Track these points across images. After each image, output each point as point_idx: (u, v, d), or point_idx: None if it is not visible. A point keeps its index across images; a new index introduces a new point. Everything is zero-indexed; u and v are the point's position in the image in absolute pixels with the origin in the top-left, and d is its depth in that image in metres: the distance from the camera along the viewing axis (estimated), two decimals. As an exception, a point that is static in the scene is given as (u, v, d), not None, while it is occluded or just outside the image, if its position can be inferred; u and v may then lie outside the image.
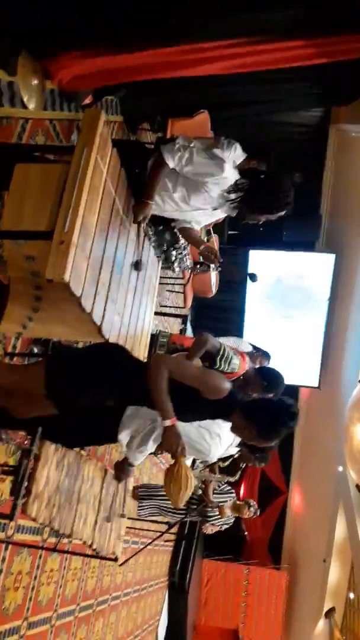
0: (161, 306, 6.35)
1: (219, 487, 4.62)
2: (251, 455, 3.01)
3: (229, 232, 7.24)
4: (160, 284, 5.37)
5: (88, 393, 1.91)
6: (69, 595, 3.77)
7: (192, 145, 2.46)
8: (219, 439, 2.43)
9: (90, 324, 2.02)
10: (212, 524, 4.63)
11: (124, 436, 2.23)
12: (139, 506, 5.03)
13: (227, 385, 1.97)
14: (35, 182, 1.86)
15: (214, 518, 4.59)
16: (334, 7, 2.74)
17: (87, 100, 3.62)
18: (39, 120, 3.01)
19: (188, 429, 2.30)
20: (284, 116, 6.11)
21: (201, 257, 3.16)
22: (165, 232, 3.26)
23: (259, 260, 7.33)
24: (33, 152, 2.47)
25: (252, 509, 4.55)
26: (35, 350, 2.81)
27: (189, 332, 3.71)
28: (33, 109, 2.83)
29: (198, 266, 4.39)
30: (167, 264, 4.01)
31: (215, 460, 3.12)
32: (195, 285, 5.78)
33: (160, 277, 4.29)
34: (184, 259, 3.99)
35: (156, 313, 3.85)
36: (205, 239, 4.14)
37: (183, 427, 2.13)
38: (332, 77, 4.11)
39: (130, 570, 5.51)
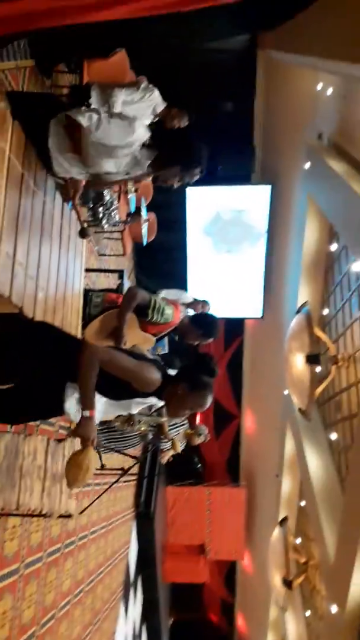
0: (100, 255, 6.26)
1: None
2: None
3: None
4: (97, 232, 5.28)
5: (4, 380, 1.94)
6: (34, 545, 3.96)
7: (111, 97, 2.38)
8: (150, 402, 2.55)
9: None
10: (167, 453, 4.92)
11: (71, 404, 2.27)
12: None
13: (157, 377, 2.05)
14: None
15: (167, 448, 4.87)
16: None
17: (-10, 49, 3.34)
18: None
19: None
20: (207, 43, 5.81)
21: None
22: (89, 190, 3.18)
23: (196, 197, 7.25)
24: None
25: (202, 436, 4.84)
26: None
27: (126, 286, 3.71)
28: None
29: (128, 218, 4.35)
30: (95, 221, 3.95)
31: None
32: (132, 232, 5.71)
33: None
34: (112, 214, 3.93)
35: (87, 270, 3.81)
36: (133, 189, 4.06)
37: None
38: (249, 5, 3.92)
39: (95, 511, 5.79)
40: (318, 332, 3.95)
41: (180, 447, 4.74)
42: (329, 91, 4.06)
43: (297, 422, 5.16)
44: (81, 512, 3.84)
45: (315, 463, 4.70)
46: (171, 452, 4.83)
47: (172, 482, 9.88)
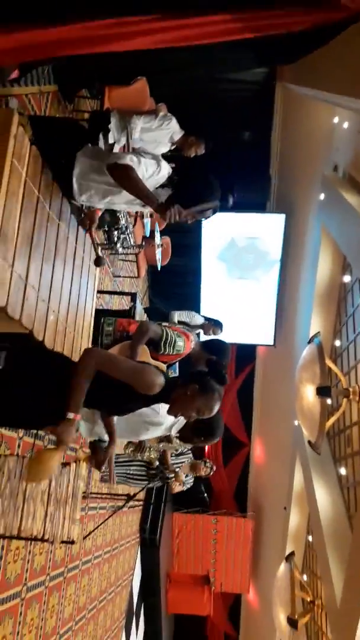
0: (115, 276, 6.32)
1: (176, 451, 4.81)
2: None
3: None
4: (112, 254, 5.35)
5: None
6: (37, 568, 3.90)
7: (130, 124, 2.41)
8: (160, 422, 2.53)
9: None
10: (176, 484, 4.86)
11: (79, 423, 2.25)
12: (103, 472, 5.18)
13: (161, 380, 2.02)
14: None
15: (172, 480, 4.80)
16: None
17: (14, 75, 3.45)
18: None
19: (130, 419, 2.37)
20: (227, 74, 5.93)
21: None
22: (105, 213, 3.22)
23: (211, 223, 7.31)
24: None
25: (207, 465, 4.79)
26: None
27: (139, 309, 3.72)
28: None
29: (143, 243, 4.39)
30: (110, 244, 3.99)
31: (165, 434, 3.23)
32: (147, 255, 5.76)
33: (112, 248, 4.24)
34: (127, 237, 3.98)
35: (100, 292, 3.83)
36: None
37: (125, 417, 2.19)
38: (268, 39, 4.00)
39: (100, 534, 5.72)
40: (329, 364, 3.90)
41: (184, 477, 4.69)
42: (345, 125, 4.11)
43: (307, 454, 5.07)
44: (85, 537, 3.78)
45: (324, 498, 4.59)
46: (178, 486, 4.77)
47: (179, 509, 9.73)
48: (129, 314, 3.76)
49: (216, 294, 7.81)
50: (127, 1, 2.86)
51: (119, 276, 6.45)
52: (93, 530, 3.83)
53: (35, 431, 3.58)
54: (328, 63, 3.54)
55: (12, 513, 2.03)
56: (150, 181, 2.39)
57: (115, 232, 3.68)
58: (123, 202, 2.46)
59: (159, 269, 5.55)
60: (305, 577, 5.57)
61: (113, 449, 2.37)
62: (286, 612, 4.86)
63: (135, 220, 4.73)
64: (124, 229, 3.69)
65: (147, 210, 2.83)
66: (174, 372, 4.36)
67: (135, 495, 4.11)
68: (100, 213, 2.43)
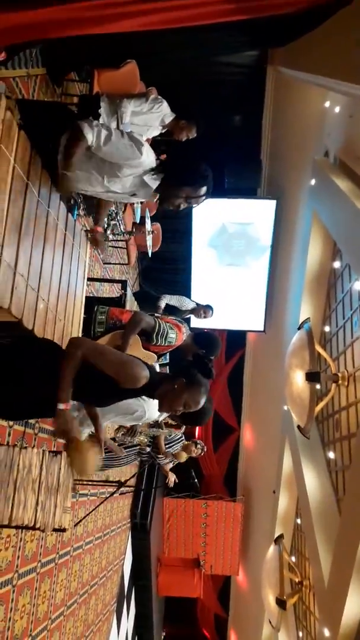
0: (105, 263, 6.27)
1: (169, 436, 4.85)
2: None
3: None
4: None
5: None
6: (29, 554, 3.92)
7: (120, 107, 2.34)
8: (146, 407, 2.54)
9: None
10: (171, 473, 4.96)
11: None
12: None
13: (145, 374, 2.02)
14: None
15: (165, 463, 4.87)
16: None
17: (1, 58, 3.37)
18: None
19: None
20: (218, 57, 5.85)
21: None
22: (94, 200, 3.18)
23: (202, 208, 7.25)
24: None
25: (199, 446, 4.87)
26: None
27: (129, 295, 3.70)
28: None
29: (133, 229, 4.36)
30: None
31: (154, 419, 3.26)
32: (137, 241, 5.72)
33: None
34: (117, 224, 3.94)
35: (90, 279, 3.80)
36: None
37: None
38: (260, 22, 3.95)
39: (91, 520, 5.75)
40: (319, 350, 3.93)
41: (184, 457, 4.80)
42: (337, 109, 4.07)
43: (296, 438, 5.12)
44: (76, 525, 3.80)
45: (313, 481, 4.65)
46: (168, 463, 4.84)
47: (169, 493, 9.82)
48: (119, 301, 3.74)
49: (207, 280, 7.79)
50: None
51: (109, 263, 6.41)
52: (84, 517, 3.85)
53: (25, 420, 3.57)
54: (320, 46, 3.50)
55: (3, 502, 2.03)
56: (124, 157, 2.31)
57: (105, 219, 3.65)
58: (105, 190, 2.42)
59: (149, 255, 5.51)
60: (293, 559, 5.67)
61: (102, 432, 2.39)
62: (275, 592, 4.95)
63: (125, 207, 4.68)
64: (113, 215, 3.65)
65: (136, 200, 2.79)
66: (165, 360, 4.37)
67: (126, 481, 4.13)
68: (100, 230, 2.39)
